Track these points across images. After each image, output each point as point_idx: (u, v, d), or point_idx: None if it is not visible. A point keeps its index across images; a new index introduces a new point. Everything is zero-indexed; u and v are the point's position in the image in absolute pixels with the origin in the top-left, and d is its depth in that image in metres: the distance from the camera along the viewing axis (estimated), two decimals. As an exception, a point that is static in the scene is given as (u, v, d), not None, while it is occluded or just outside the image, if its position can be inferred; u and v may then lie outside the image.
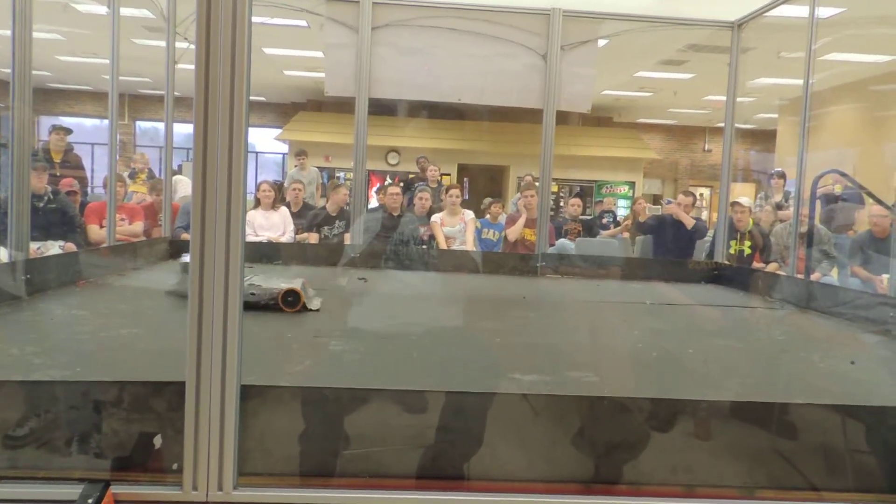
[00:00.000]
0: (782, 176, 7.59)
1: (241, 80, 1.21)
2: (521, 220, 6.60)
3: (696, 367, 2.28)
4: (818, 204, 6.29)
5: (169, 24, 4.17)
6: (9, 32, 2.58)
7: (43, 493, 1.21)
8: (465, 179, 15.50)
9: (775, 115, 13.68)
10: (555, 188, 15.16)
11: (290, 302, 2.71)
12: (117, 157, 4.71)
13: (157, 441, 1.27)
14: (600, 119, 16.17)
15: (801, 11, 4.13)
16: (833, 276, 5.85)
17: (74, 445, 1.27)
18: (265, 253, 4.59)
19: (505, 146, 13.68)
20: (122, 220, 5.90)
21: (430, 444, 1.58)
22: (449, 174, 14.84)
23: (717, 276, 4.54)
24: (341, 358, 2.13)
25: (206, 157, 1.21)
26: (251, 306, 2.65)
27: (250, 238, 6.16)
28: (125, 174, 7.86)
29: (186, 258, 2.70)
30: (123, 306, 2.88)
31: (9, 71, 2.66)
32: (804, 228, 4.48)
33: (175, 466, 1.25)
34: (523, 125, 11.95)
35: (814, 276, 5.42)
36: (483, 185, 15.41)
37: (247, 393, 1.29)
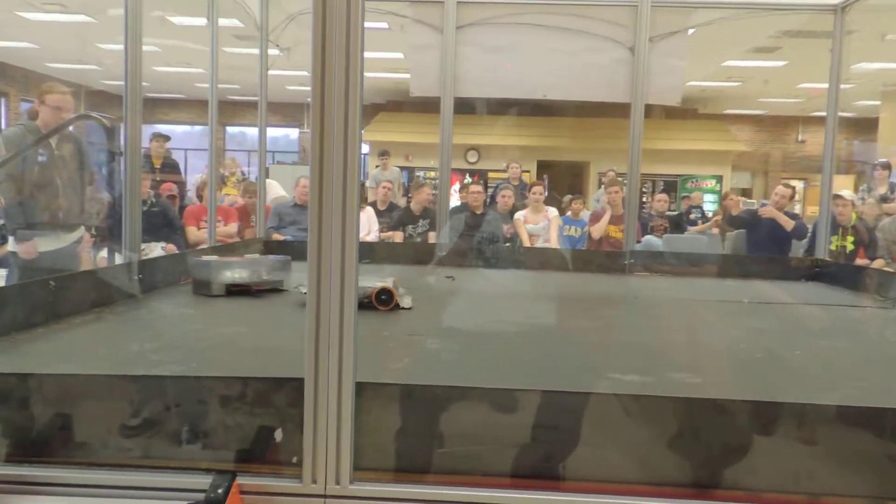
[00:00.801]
0: (887, 167, 7.15)
1: (356, 83, 1.25)
2: (606, 217, 6.50)
3: (804, 368, 2.18)
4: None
5: (263, 33, 4.33)
6: (114, 47, 2.75)
7: (174, 482, 1.28)
8: (545, 176, 15.37)
9: (877, 103, 12.89)
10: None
11: (384, 300, 2.76)
12: (213, 161, 4.94)
13: (278, 435, 1.32)
14: (685, 111, 15.67)
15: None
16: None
17: (202, 437, 1.33)
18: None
19: (585, 142, 13.49)
20: (218, 221, 6.17)
21: (537, 443, 1.58)
22: (528, 171, 14.76)
23: (819, 273, 4.32)
24: (439, 356, 2.16)
25: (322, 160, 1.25)
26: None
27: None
28: (218, 177, 8.20)
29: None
30: (225, 305, 3.02)
31: (113, 83, 2.82)
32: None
33: (294, 460, 1.30)
34: (604, 120, 11.73)
35: (927, 273, 5.08)
36: (562, 182, 15.23)
37: (359, 390, 1.33)
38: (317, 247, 1.25)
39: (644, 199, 13.09)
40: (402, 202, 8.53)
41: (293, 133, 17.93)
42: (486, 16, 4.59)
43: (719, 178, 14.97)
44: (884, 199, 6.69)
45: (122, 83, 2.83)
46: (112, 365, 1.87)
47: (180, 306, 2.83)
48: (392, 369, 2.00)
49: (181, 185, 7.53)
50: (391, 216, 6.68)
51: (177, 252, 4.91)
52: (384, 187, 6.97)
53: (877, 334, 2.78)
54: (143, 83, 2.98)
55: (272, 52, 4.69)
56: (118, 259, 3.13)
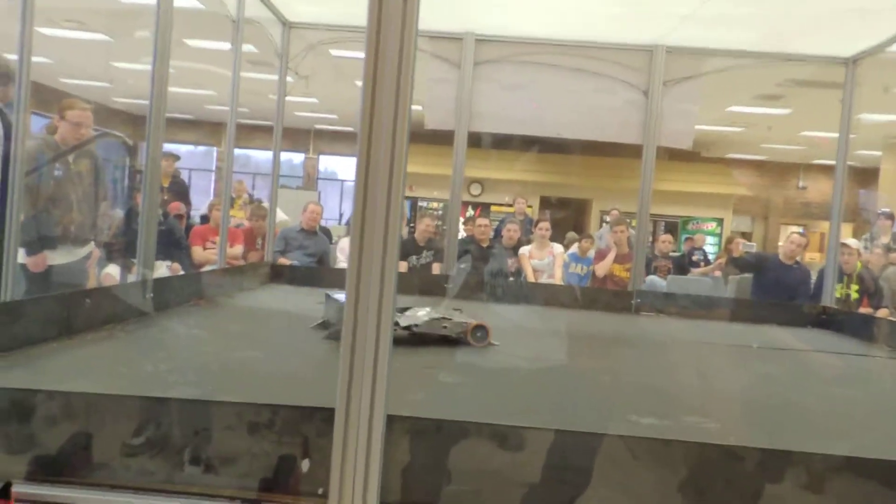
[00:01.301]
0: (890, 217, 7.20)
1: (405, 113, 1.26)
2: (611, 256, 6.51)
3: (819, 417, 2.17)
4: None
5: (283, 61, 4.39)
6: (129, 66, 2.77)
7: (198, 509, 1.27)
8: (547, 212, 15.43)
9: (878, 153, 13.02)
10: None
11: (479, 337, 2.73)
12: (214, 183, 4.94)
13: (305, 465, 1.31)
14: (689, 154, 15.78)
15: None
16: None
17: (227, 465, 1.32)
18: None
19: (589, 180, 13.57)
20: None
21: (554, 483, 1.56)
22: (531, 206, 14.82)
23: (825, 320, 4.33)
24: (455, 391, 2.15)
25: (366, 192, 1.26)
26: (440, 340, 2.67)
27: (341, 264, 6.33)
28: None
29: (334, 294, 2.65)
30: (236, 327, 3.01)
31: (124, 100, 2.85)
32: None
33: (320, 491, 1.29)
34: (608, 159, 11.83)
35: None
36: (565, 219, 15.29)
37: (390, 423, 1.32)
38: (356, 278, 1.25)
39: (648, 240, 13.13)
40: (404, 232, 8.56)
41: (297, 158, 18.02)
42: (503, 54, 4.66)
43: (720, 221, 15.05)
44: (889, 249, 6.72)
45: (134, 101, 2.86)
46: (129, 384, 1.86)
47: (191, 327, 2.82)
48: (409, 401, 1.99)
49: (188, 204, 7.54)
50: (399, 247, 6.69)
51: (183, 273, 4.91)
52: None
53: (889, 383, 2.78)
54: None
55: (289, 79, 4.74)
56: (128, 277, 3.13)
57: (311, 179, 17.74)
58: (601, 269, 6.50)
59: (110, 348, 2.31)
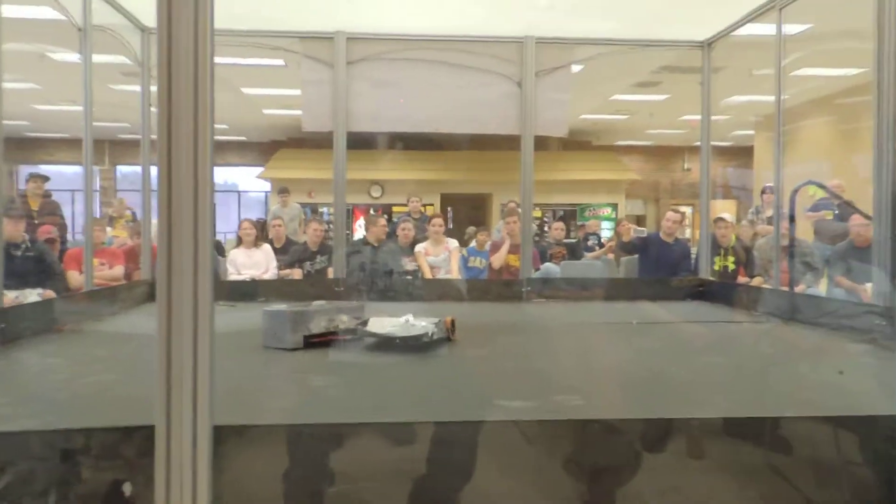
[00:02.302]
0: (774, 191, 7.62)
1: (206, 119, 1.20)
2: (505, 247, 6.59)
3: (683, 385, 2.26)
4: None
5: (143, 70, 4.17)
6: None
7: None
8: (449, 209, 15.54)
9: (752, 132, 13.86)
10: (538, 213, 15.22)
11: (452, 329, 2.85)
12: (99, 202, 4.66)
13: (128, 489, 1.22)
14: (580, 143, 16.31)
15: (769, 29, 4.19)
16: (820, 289, 5.86)
17: (44, 497, 1.22)
18: (247, 291, 4.54)
19: (487, 174, 13.75)
20: (103, 264, 5.84)
21: (417, 477, 1.54)
22: (432, 204, 14.88)
23: (702, 292, 4.54)
24: (324, 392, 2.09)
25: (170, 198, 1.19)
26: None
27: (233, 277, 6.12)
28: (105, 219, 7.81)
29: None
30: (100, 352, 2.83)
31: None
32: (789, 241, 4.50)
33: (147, 515, 1.21)
34: (503, 153, 12.00)
35: (798, 289, 5.43)
36: (467, 214, 15.45)
37: (221, 434, 1.26)
38: (166, 286, 1.18)
39: (545, 229, 13.45)
40: (304, 238, 8.38)
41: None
42: (376, 51, 4.62)
43: (615, 206, 15.61)
44: (770, 221, 7.10)
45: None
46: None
47: (47, 355, 2.63)
48: (274, 409, 1.92)
49: (62, 227, 7.08)
50: (289, 252, 6.54)
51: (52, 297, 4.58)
52: (275, 225, 6.84)
53: (751, 348, 2.93)
54: (21, 122, 2.78)
55: (154, 88, 4.52)
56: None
57: (205, 193, 17.09)
58: (497, 260, 6.57)
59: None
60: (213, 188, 1.23)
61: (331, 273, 5.87)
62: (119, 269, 5.83)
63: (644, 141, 17.30)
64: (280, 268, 6.40)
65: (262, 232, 7.74)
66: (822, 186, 4.28)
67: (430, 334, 2.62)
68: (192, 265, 1.19)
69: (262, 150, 16.51)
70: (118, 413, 1.78)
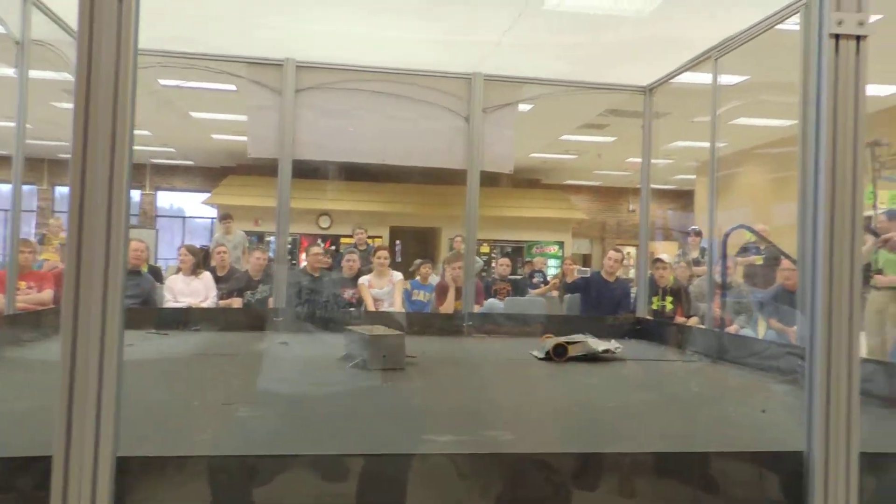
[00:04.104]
0: (698, 233, 7.89)
1: (124, 137, 1.17)
2: (452, 293, 6.58)
3: (615, 420, 2.28)
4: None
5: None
6: None
7: None
8: (398, 242, 15.53)
9: (693, 177, 14.35)
10: (486, 249, 15.34)
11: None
12: (35, 223, 4.47)
13: (20, 524, 1.15)
14: (530, 181, 16.61)
15: (707, 78, 4.36)
16: (759, 330, 6.03)
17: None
18: (182, 319, 4.42)
19: (436, 208, 13.83)
20: (31, 287, 5.61)
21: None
22: (381, 237, 14.85)
23: (639, 330, 4.62)
24: (246, 424, 2.04)
25: (81, 219, 1.15)
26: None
27: (170, 304, 5.95)
28: (34, 240, 7.52)
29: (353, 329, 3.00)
30: (16, 378, 2.70)
31: None
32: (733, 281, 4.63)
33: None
34: (453, 187, 12.11)
35: (731, 329, 5.59)
36: (416, 247, 15.46)
37: (127, 466, 1.20)
38: (73, 307, 1.13)
39: (492, 264, 13.55)
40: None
41: (135, 195, 16.97)
42: (326, 81, 4.63)
43: (561, 244, 15.87)
44: (696, 263, 7.34)
45: None
46: None
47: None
48: (198, 440, 1.86)
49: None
50: (230, 281, 6.41)
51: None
52: (219, 252, 6.71)
53: (681, 385, 2.98)
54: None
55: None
56: None
57: (147, 217, 16.71)
58: (445, 308, 6.56)
59: None
60: (129, 209, 1.19)
61: (272, 303, 5.77)
62: (48, 293, 5.61)
63: (592, 181, 17.72)
64: (221, 296, 6.27)
65: (204, 259, 7.58)
66: (751, 230, 4.44)
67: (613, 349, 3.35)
68: (102, 290, 1.15)
69: (210, 175, 16.28)
70: (24, 444, 1.69)
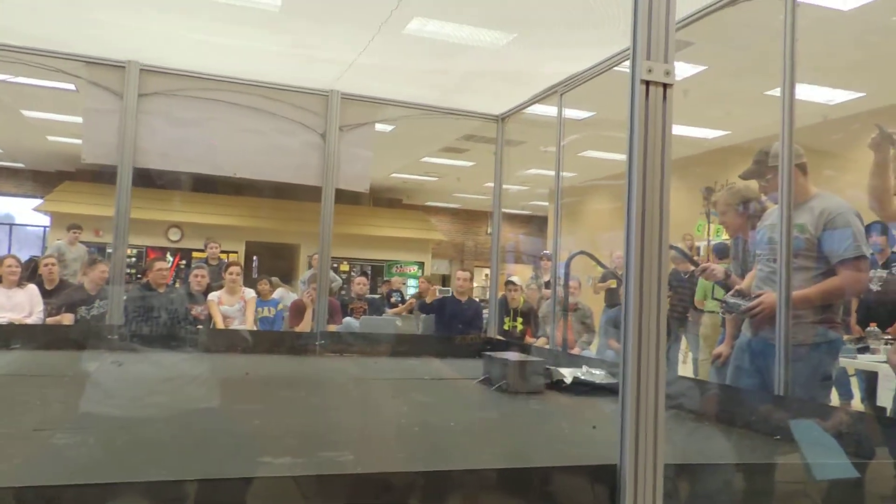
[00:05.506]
0: (550, 258, 8.29)
1: None
2: (309, 313, 6.47)
3: (456, 438, 2.32)
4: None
5: None
6: None
7: None
8: (255, 258, 15.04)
9: (546, 203, 15.09)
10: (345, 267, 15.21)
11: None
12: None
13: None
14: (391, 200, 16.72)
15: (555, 111, 4.61)
16: (591, 350, 6.41)
17: None
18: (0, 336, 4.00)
19: (294, 224, 13.55)
20: None
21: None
22: (237, 252, 14.33)
23: (489, 350, 4.76)
24: (62, 452, 1.87)
25: None
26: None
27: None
28: None
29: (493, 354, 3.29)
30: None
31: None
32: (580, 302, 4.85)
33: None
34: (312, 204, 11.95)
35: (574, 350, 5.90)
36: (274, 264, 15.03)
37: None
38: None
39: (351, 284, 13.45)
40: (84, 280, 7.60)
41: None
42: (173, 87, 4.41)
43: (421, 265, 16.07)
44: (548, 286, 7.70)
45: None
46: None
47: None
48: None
49: None
50: (61, 295, 5.89)
51: None
52: (47, 265, 6.16)
53: (522, 404, 3.10)
54: None
55: None
56: None
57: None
58: (301, 328, 6.43)
59: None
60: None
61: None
62: None
63: (452, 203, 18.15)
64: (49, 312, 5.75)
65: (31, 271, 6.95)
66: (591, 256, 4.73)
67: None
68: None
69: (44, 179, 14.97)
70: None
